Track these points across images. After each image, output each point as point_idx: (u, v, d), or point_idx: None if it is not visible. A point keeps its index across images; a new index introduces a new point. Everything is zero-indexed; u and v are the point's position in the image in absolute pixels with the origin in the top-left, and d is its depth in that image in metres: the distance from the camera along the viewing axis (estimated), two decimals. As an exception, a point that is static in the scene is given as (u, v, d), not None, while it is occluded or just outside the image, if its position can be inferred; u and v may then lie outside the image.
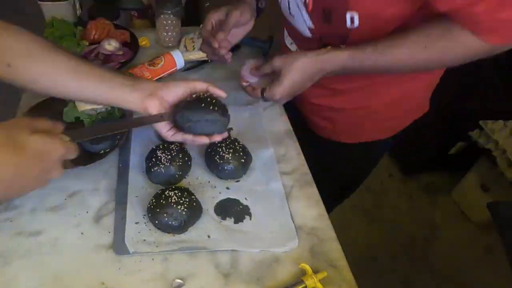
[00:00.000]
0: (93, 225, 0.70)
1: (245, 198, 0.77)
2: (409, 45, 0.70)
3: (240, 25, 0.87)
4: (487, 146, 1.68)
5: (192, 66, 1.11)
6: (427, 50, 0.69)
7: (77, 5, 1.15)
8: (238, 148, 0.79)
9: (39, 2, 1.15)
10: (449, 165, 2.05)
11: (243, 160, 0.78)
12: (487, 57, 0.67)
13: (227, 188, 0.78)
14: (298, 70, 0.74)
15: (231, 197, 0.77)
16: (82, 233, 0.69)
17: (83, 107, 0.84)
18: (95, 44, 1.09)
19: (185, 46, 1.14)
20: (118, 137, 0.81)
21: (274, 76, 0.78)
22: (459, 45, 0.67)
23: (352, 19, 0.70)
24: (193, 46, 1.13)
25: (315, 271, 0.64)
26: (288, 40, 0.97)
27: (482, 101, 1.72)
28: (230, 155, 0.77)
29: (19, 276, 0.63)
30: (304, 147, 0.90)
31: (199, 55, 1.11)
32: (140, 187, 0.76)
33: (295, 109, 1.05)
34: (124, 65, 1.07)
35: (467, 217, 1.91)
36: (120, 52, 1.08)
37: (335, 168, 1.09)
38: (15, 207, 0.72)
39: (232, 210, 0.74)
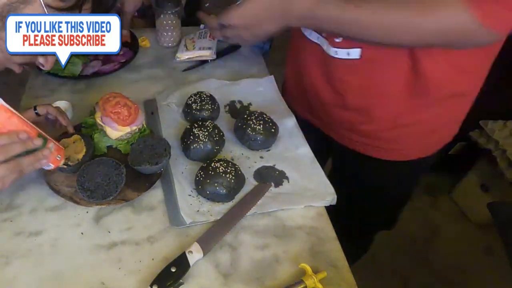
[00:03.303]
0: (93, 225, 0.70)
1: (279, 164, 0.82)
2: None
3: None
4: (487, 146, 1.67)
5: (192, 66, 1.11)
6: (402, 10, 0.62)
7: (77, 5, 1.15)
8: (266, 119, 0.86)
9: (39, 2, 1.15)
10: (449, 165, 2.04)
11: (273, 130, 0.85)
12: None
13: (261, 157, 0.84)
14: (262, 0, 0.70)
15: (266, 164, 0.83)
16: (82, 233, 0.69)
17: (116, 134, 0.78)
18: (95, 44, 1.09)
19: (185, 46, 1.14)
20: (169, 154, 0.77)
21: None
22: (441, 14, 0.60)
23: None
24: (193, 46, 1.13)
25: (315, 271, 0.64)
26: (314, 35, 0.82)
27: (482, 101, 1.71)
28: (261, 126, 0.83)
29: (19, 276, 0.63)
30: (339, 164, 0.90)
31: (199, 55, 1.12)
32: (179, 164, 0.81)
33: (315, 131, 0.96)
34: (124, 65, 1.07)
35: (467, 217, 1.91)
36: (120, 52, 1.07)
37: (380, 187, 0.95)
38: (15, 207, 0.72)
39: (270, 176, 0.80)
